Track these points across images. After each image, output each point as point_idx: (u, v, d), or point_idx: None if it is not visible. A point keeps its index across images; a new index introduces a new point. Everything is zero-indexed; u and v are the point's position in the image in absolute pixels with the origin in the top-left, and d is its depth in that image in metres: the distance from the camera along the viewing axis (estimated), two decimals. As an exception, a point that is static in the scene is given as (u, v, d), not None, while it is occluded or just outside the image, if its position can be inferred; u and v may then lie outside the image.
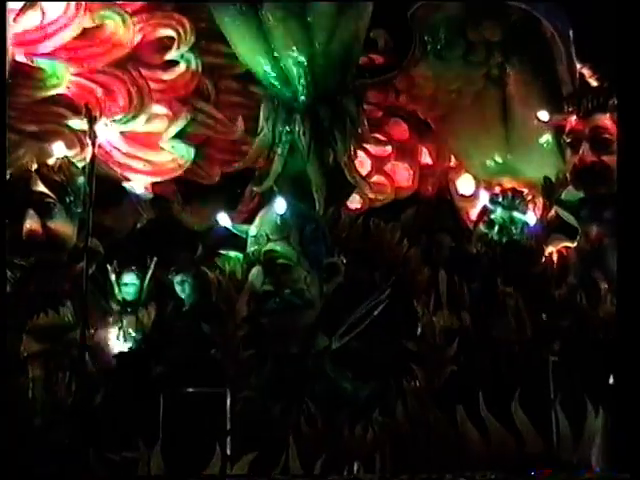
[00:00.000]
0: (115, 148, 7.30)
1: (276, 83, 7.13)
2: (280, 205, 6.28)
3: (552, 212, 8.05)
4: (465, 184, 9.46)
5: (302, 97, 7.09)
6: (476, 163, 8.99)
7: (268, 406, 6.48)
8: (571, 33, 8.00)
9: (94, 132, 6.29)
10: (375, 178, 9.21)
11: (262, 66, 7.05)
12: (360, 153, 8.99)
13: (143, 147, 7.40)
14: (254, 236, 6.45)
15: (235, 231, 6.56)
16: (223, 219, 6.66)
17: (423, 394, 6.73)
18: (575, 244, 7.62)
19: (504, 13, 8.25)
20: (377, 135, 9.21)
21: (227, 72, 7.94)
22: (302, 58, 6.89)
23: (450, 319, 7.32)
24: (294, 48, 6.87)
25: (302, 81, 7.01)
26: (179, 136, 7.54)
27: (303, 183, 7.32)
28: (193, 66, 7.41)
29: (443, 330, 7.03)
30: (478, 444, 6.69)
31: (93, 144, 6.26)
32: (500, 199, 8.54)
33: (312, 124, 7.11)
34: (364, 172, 9.08)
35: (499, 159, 8.76)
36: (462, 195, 9.45)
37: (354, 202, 9.06)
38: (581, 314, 7.40)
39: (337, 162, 7.29)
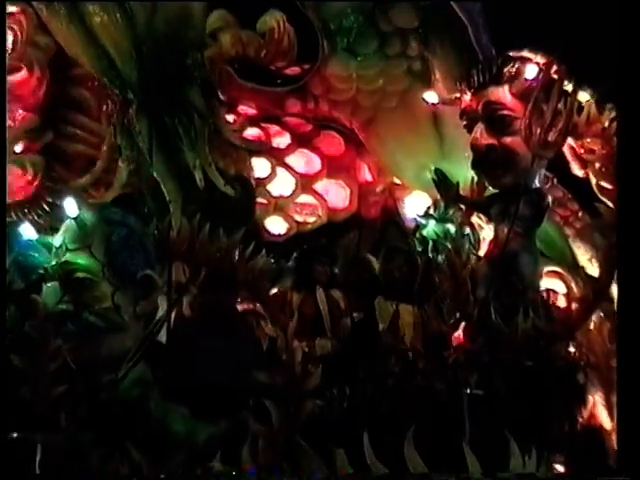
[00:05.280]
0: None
1: (109, 78, 6.13)
2: (70, 207, 5.24)
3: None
4: (416, 202, 8.23)
5: (134, 89, 6.08)
6: (409, 173, 7.80)
7: (84, 452, 5.41)
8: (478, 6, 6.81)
9: None
10: (302, 198, 8.15)
11: (92, 61, 6.08)
12: (280, 169, 8.01)
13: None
14: (57, 247, 5.44)
15: (39, 243, 5.56)
16: (26, 230, 5.67)
17: (277, 436, 5.54)
18: (485, 249, 6.34)
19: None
20: (304, 150, 8.20)
21: (110, 82, 6.98)
22: (125, 43, 5.90)
23: (329, 345, 6.24)
24: (115, 33, 5.89)
25: (131, 70, 6.01)
26: (30, 150, 6.63)
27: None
28: (38, 72, 6.50)
29: (316, 358, 5.96)
30: (365, 496, 5.51)
31: None
32: (432, 211, 7.36)
33: (150, 121, 6.08)
34: (287, 192, 8.06)
35: (434, 166, 7.50)
36: (413, 215, 8.22)
37: (277, 225, 8.03)
38: (495, 334, 6.10)
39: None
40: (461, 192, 6.79)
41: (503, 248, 5.95)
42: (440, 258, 6.81)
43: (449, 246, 6.73)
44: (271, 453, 5.53)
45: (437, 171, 6.53)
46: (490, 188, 6.31)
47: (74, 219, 5.27)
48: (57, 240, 5.47)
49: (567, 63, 6.09)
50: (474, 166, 6.24)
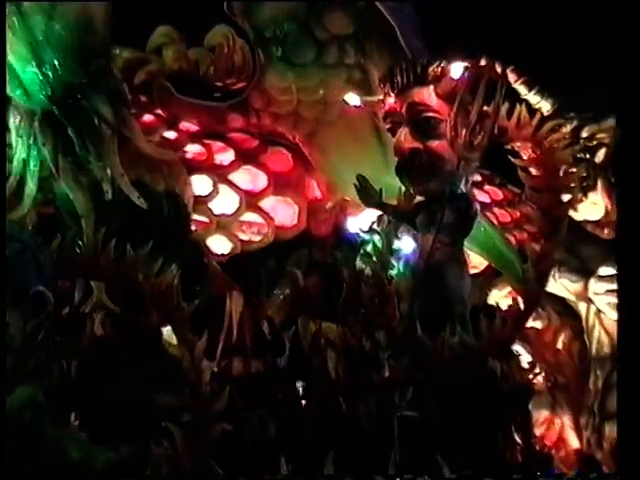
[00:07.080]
0: None
1: (11, 88, 5.83)
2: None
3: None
4: (368, 219, 7.89)
5: (36, 98, 5.79)
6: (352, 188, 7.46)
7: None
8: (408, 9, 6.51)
9: None
10: (247, 216, 7.84)
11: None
12: (223, 187, 7.71)
13: None
14: (-56, 263, 5.13)
15: None
16: None
17: (181, 460, 5.21)
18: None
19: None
20: (249, 166, 7.91)
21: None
22: (23, 50, 5.63)
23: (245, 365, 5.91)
24: (13, 39, 5.61)
25: (32, 78, 5.72)
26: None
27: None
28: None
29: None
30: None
31: None
32: (376, 226, 7.03)
33: (53, 131, 5.79)
34: (231, 210, 7.75)
35: (377, 180, 7.16)
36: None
37: (220, 245, 7.71)
38: (422, 352, 5.74)
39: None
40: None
41: (428, 258, 5.57)
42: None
43: (375, 260, 6.40)
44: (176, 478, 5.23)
45: (359, 177, 6.18)
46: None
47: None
48: (-55, 256, 5.16)
49: (497, 62, 5.75)
50: (398, 171, 5.91)
